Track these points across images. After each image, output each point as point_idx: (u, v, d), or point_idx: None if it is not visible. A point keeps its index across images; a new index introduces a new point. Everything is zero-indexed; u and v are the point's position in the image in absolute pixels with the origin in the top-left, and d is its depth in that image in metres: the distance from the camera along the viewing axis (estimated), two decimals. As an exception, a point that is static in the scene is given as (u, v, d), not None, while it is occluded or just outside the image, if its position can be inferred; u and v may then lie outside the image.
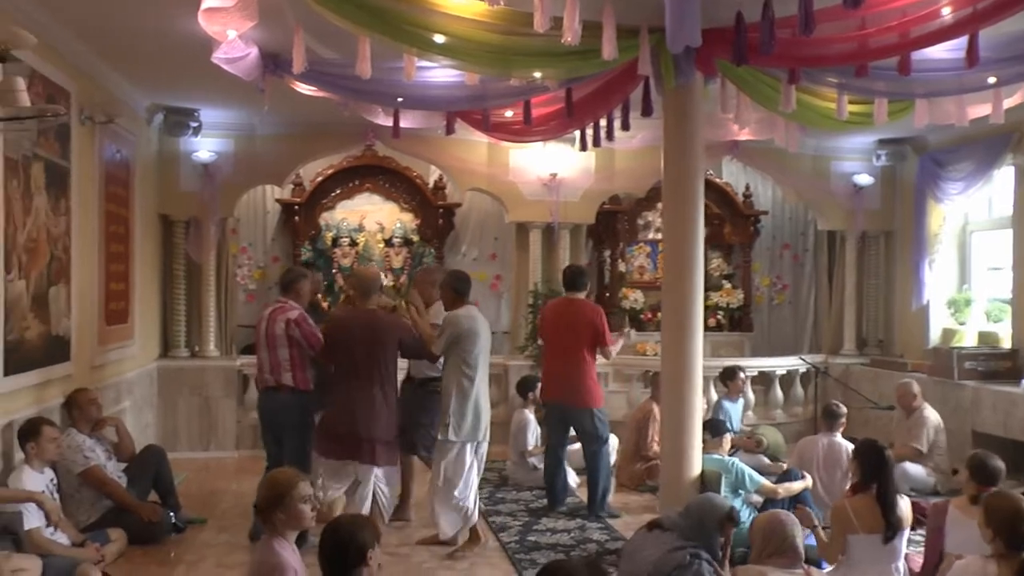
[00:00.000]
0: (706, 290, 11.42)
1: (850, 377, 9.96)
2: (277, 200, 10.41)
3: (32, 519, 4.87)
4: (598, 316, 6.84)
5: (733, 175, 11.67)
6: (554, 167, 9.40)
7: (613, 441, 7.82)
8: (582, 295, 6.96)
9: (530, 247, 9.74)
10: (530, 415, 7.84)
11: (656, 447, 7.85)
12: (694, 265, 5.90)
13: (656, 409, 7.91)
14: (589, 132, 7.20)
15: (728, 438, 6.34)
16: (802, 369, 10.06)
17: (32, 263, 5.55)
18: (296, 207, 10.27)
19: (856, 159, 10.27)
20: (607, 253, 11.21)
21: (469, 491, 5.88)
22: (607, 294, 11.09)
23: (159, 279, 9.09)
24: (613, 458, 7.97)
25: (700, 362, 5.92)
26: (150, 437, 8.58)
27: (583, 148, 7.67)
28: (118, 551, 5.62)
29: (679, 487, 5.85)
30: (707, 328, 11.12)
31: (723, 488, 5.81)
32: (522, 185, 9.51)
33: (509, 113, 6.91)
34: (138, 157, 8.10)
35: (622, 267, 11.26)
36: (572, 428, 7.02)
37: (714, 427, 6.31)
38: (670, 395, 5.96)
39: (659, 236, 11.56)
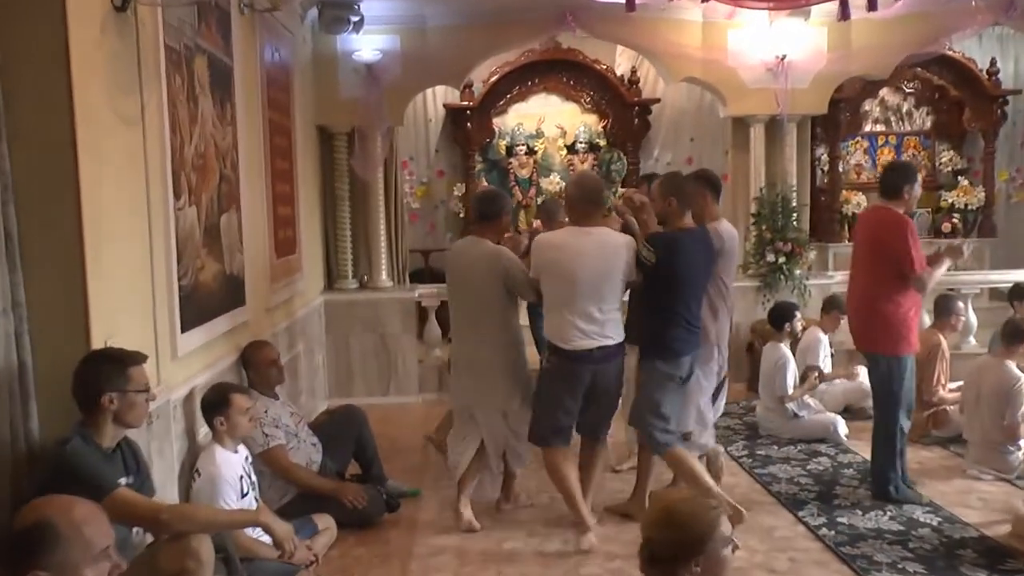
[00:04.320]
0: (936, 188, 9.83)
1: None
2: (445, 105, 9.09)
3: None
4: (898, 231, 4.94)
5: (968, 49, 9.74)
6: (781, 48, 7.71)
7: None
8: (896, 204, 5.10)
9: (751, 145, 8.13)
10: (787, 351, 6.39)
11: (944, 391, 6.35)
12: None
13: (944, 341, 6.38)
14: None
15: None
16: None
17: (202, 184, 4.32)
18: (467, 112, 8.91)
19: None
20: (821, 150, 9.52)
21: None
22: (822, 198, 9.45)
23: (320, 200, 7.91)
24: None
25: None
26: (321, 382, 7.52)
27: (843, 18, 6.08)
28: (328, 542, 4.48)
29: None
30: (940, 234, 9.58)
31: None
32: (743, 71, 7.85)
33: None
34: (295, 59, 6.82)
35: (840, 166, 9.61)
36: None
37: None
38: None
39: (878, 128, 9.88)
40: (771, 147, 8.14)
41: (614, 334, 4.59)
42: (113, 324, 3.20)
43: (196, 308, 4.16)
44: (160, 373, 3.68)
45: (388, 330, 7.84)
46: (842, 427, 6.33)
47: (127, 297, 3.41)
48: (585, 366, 4.57)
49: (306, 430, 5.00)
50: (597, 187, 4.81)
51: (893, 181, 5.16)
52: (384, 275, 8.07)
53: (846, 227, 9.46)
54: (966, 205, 9.51)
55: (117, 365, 2.94)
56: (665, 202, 4.69)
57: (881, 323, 5.06)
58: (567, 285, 4.51)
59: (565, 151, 9.41)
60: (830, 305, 7.00)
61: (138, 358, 2.99)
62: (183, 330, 3.96)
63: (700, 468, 4.79)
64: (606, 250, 4.52)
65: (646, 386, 4.73)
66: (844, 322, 6.33)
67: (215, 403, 4.01)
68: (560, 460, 4.70)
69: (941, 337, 6.37)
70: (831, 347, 6.95)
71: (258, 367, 4.83)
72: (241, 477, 4.01)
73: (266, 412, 4.65)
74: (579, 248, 4.51)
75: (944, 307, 6.48)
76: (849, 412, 6.78)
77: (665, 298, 4.64)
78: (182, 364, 3.98)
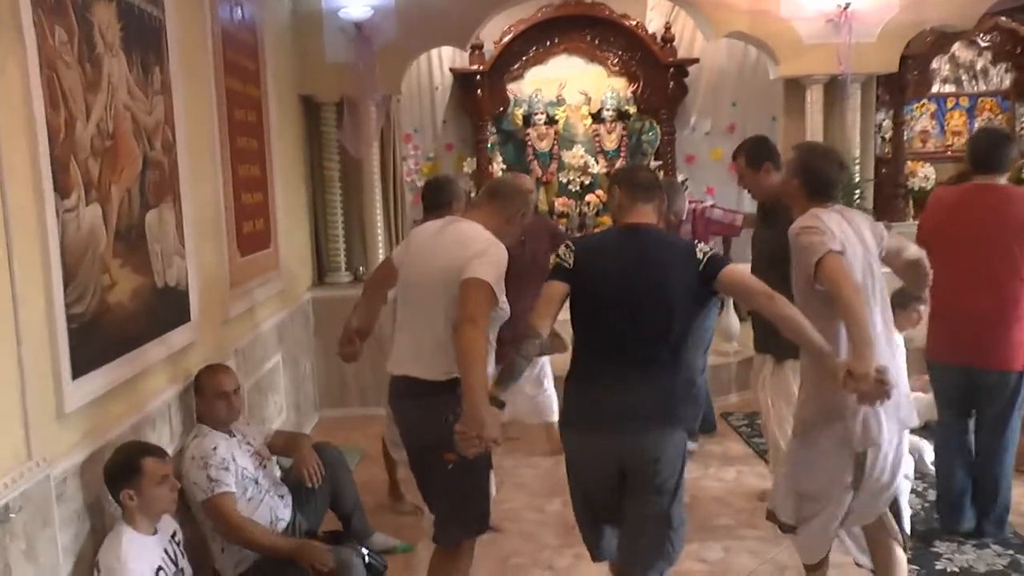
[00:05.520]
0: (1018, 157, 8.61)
1: None
2: (452, 70, 7.97)
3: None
4: None
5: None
6: (845, -6, 6.54)
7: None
8: (1000, 178, 4.19)
9: (807, 111, 6.95)
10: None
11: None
12: None
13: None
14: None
15: None
16: None
17: (112, 174, 3.26)
18: (478, 77, 7.79)
19: None
20: (882, 115, 8.30)
21: None
22: (883, 170, 8.24)
23: (306, 182, 6.85)
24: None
25: None
26: (308, 394, 6.51)
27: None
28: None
29: None
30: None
31: None
32: (799, 24, 6.66)
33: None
34: (267, 18, 5.74)
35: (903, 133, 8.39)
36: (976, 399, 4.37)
37: None
38: None
39: (947, 89, 8.64)
40: (830, 112, 6.97)
41: (429, 367, 3.28)
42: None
43: (101, 341, 3.12)
44: (31, 443, 2.64)
45: (386, 330, 6.74)
46: (928, 453, 5.21)
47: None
48: (392, 399, 3.60)
49: (272, 477, 3.97)
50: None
51: (1005, 152, 4.20)
52: (382, 266, 7.01)
53: (911, 204, 8.30)
54: (1051, 178, 8.29)
55: None
56: (608, 192, 3.53)
57: (1012, 333, 4.12)
58: (399, 288, 3.57)
59: (590, 120, 8.27)
60: (905, 298, 5.82)
61: None
62: (76, 375, 2.91)
63: None
64: (450, 247, 3.31)
65: None
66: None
67: (120, 471, 2.98)
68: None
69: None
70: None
71: (206, 396, 3.80)
72: (159, 569, 2.99)
73: (215, 450, 3.60)
74: (421, 241, 3.49)
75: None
76: (929, 430, 5.67)
77: (580, 334, 3.21)
78: (74, 421, 2.94)
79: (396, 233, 7.14)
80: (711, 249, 3.12)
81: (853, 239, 3.27)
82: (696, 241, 3.27)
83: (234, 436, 3.82)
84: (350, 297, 6.67)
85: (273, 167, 5.70)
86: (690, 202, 5.71)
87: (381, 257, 6.97)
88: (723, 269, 3.04)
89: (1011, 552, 4.22)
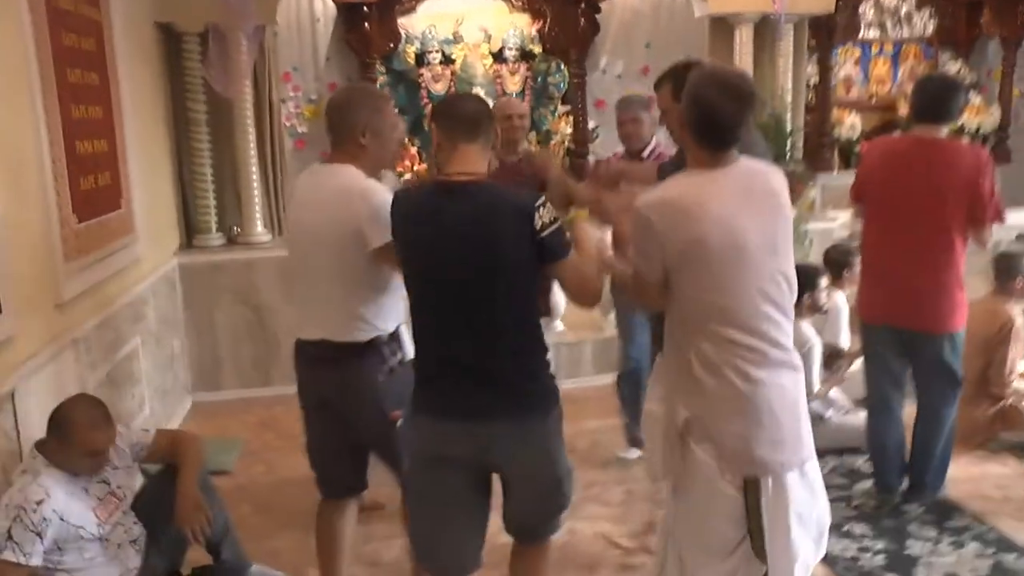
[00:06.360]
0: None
1: None
2: (335, 0, 7.01)
3: None
4: (987, 171, 3.71)
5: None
6: (780, -79, 5.88)
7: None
8: (941, 131, 3.82)
9: (736, 53, 6.29)
10: (812, 333, 4.71)
11: (1018, 380, 4.83)
12: None
13: (1020, 319, 4.79)
14: None
15: None
16: None
17: None
18: (365, 9, 6.85)
19: None
20: (808, 60, 7.72)
21: None
22: (807, 118, 7.71)
23: (167, 127, 5.84)
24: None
25: None
26: (179, 376, 5.59)
27: None
28: None
29: None
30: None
31: None
32: (730, -44, 6.01)
33: None
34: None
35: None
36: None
37: None
38: None
39: (871, 34, 8.18)
40: (760, 56, 6.34)
41: (344, 332, 2.90)
42: None
43: None
44: None
45: (264, 299, 5.86)
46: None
47: None
48: (302, 365, 3.09)
49: (122, 527, 3.04)
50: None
51: (954, 101, 3.85)
52: (259, 225, 6.08)
53: (835, 154, 7.84)
54: (978, 128, 7.89)
55: None
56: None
57: (958, 292, 3.85)
58: (288, 243, 3.19)
59: (491, 60, 7.42)
60: (845, 257, 5.22)
61: None
62: None
63: None
64: (335, 208, 2.87)
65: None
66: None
67: None
68: (323, 519, 3.26)
69: (1011, 308, 4.76)
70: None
71: (71, 446, 2.87)
72: None
73: (39, 504, 2.72)
74: (304, 193, 3.03)
75: (1007, 266, 4.86)
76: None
77: (412, 309, 2.65)
78: None
79: (275, 185, 6.19)
80: (554, 220, 2.41)
81: (745, 219, 2.42)
82: (539, 201, 2.43)
83: (78, 475, 2.93)
84: (224, 262, 5.85)
85: (122, 108, 4.70)
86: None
87: (257, 214, 6.08)
88: (563, 259, 2.48)
89: (992, 551, 3.77)
